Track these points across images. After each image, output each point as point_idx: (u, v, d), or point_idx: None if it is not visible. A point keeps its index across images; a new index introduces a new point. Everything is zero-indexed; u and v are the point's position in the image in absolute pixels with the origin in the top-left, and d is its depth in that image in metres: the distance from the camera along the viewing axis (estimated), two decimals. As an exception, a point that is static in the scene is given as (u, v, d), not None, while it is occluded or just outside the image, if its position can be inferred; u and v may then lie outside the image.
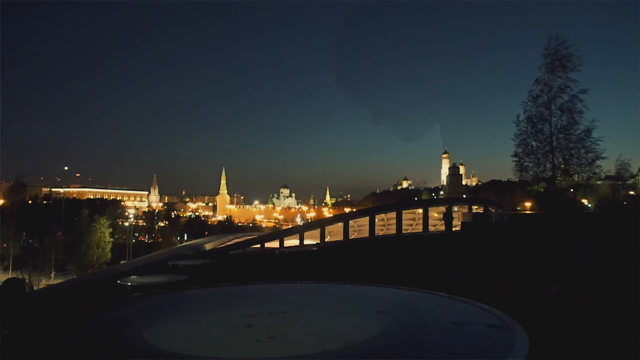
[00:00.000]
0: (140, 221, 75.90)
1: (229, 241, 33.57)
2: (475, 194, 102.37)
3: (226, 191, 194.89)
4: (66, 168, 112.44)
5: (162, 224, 76.80)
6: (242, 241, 30.66)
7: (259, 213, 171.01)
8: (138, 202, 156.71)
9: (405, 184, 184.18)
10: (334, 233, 29.77)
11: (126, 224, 54.79)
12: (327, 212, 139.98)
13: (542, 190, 18.37)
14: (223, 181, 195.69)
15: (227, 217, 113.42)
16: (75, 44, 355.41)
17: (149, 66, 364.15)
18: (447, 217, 19.08)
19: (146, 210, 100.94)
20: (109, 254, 46.31)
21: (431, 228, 31.12)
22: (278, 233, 33.96)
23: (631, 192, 36.45)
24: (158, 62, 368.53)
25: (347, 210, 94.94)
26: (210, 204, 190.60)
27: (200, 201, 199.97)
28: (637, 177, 49.29)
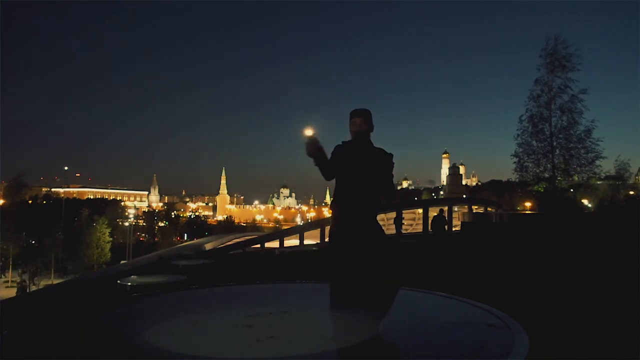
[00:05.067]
0: (140, 221, 75.88)
1: (229, 241, 33.61)
2: (475, 194, 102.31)
3: (226, 191, 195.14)
4: (66, 168, 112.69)
5: (162, 224, 76.77)
6: (242, 241, 30.69)
7: (259, 213, 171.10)
8: (138, 202, 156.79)
9: (405, 184, 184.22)
10: (334, 233, 29.70)
11: (126, 224, 54.79)
12: (327, 212, 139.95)
13: (542, 190, 18.40)
14: (223, 181, 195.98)
15: (227, 217, 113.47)
16: (75, 44, 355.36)
17: (149, 67, 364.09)
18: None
19: (146, 210, 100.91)
20: (109, 254, 46.30)
21: (431, 228, 31.12)
22: (278, 233, 33.98)
23: (631, 192, 36.47)
24: (158, 63, 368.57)
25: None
26: (210, 204, 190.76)
27: (200, 201, 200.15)
28: (637, 177, 49.28)
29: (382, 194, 3.00)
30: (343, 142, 3.00)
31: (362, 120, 2.98)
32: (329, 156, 2.92)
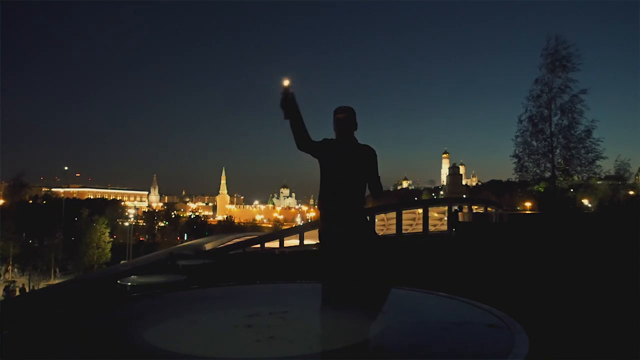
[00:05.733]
0: (140, 221, 75.84)
1: (229, 241, 33.65)
2: (475, 194, 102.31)
3: (226, 191, 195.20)
4: (66, 168, 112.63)
5: (162, 224, 76.75)
6: (242, 241, 30.74)
7: (259, 213, 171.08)
8: (138, 202, 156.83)
9: (405, 184, 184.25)
10: (334, 233, 29.72)
11: (126, 224, 54.79)
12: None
13: (542, 190, 18.41)
14: (223, 181, 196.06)
15: (227, 217, 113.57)
16: (75, 44, 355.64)
17: (150, 67, 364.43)
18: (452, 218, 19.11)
19: (146, 210, 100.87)
20: (109, 254, 46.31)
21: (431, 228, 31.20)
22: (278, 233, 34.03)
23: (631, 192, 36.45)
24: (158, 63, 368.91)
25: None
26: (210, 204, 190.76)
27: (200, 201, 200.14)
28: (637, 177, 49.29)
29: (372, 191, 3.00)
30: (326, 139, 2.94)
31: (348, 117, 2.95)
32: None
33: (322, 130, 2.96)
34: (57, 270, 43.80)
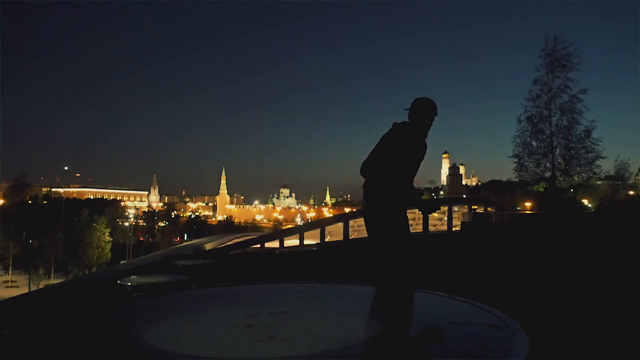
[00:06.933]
0: (140, 221, 75.76)
1: (229, 241, 33.61)
2: (475, 194, 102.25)
3: (226, 191, 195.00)
4: (66, 168, 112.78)
5: (162, 224, 76.68)
6: (242, 241, 30.69)
7: (259, 213, 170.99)
8: (138, 202, 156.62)
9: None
10: (334, 233, 29.75)
11: (126, 224, 54.75)
12: (327, 212, 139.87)
13: (542, 190, 18.40)
14: (223, 181, 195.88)
15: (227, 217, 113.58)
16: (75, 45, 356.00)
17: (149, 66, 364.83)
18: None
19: (146, 210, 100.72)
20: (109, 254, 46.30)
21: (431, 228, 31.17)
22: (278, 233, 34.00)
23: (631, 192, 36.43)
24: (158, 64, 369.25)
25: (347, 210, 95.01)
26: (210, 204, 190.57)
27: (200, 201, 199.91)
28: (637, 177, 49.30)
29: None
30: (399, 123, 3.25)
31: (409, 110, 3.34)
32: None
33: (323, 127, 3.00)
34: (53, 270, 43.77)
